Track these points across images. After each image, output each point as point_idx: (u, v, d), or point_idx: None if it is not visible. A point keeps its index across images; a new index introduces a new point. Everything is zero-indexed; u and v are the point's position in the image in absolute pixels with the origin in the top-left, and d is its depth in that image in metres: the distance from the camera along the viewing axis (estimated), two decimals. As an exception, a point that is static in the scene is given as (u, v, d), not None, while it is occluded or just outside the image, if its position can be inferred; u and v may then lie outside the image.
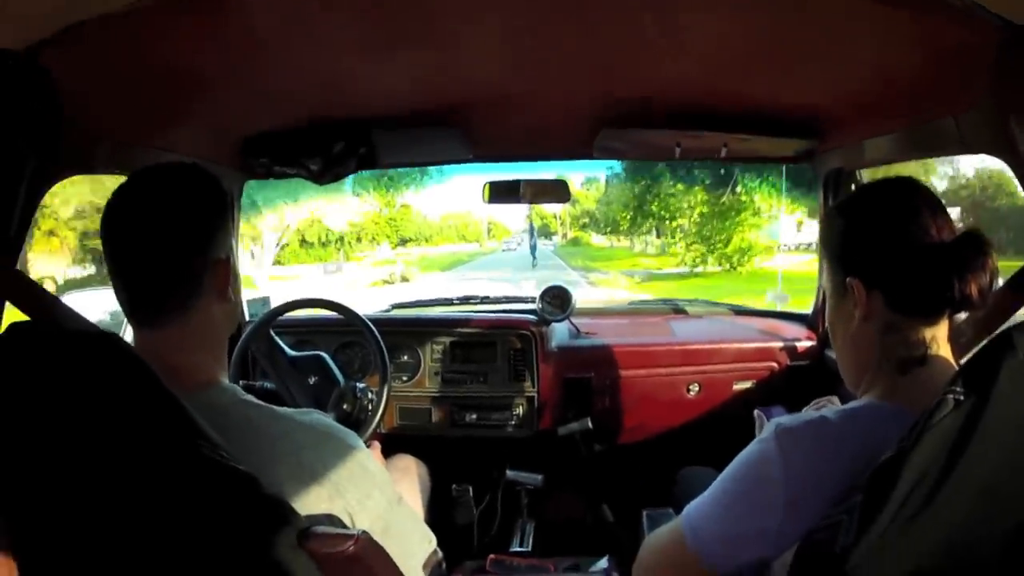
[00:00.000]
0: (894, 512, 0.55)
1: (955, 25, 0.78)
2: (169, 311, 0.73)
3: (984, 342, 0.57)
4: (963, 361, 0.60)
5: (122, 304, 0.74)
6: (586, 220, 28.83)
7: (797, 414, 0.76)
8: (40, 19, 0.71)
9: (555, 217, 30.56)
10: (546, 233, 32.16)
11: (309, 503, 0.70)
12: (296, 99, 1.21)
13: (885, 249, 0.74)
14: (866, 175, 1.57)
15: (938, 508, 0.53)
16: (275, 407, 0.77)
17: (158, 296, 0.73)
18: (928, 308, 0.73)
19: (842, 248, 0.79)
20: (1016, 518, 0.53)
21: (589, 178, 24.09)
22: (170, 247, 0.73)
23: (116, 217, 0.73)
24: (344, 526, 0.72)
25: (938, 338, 0.73)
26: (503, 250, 29.36)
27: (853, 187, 1.56)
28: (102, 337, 0.57)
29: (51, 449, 0.54)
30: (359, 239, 26.24)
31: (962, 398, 0.55)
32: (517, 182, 1.74)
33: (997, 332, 0.56)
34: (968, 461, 0.53)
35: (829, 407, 0.81)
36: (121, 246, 0.73)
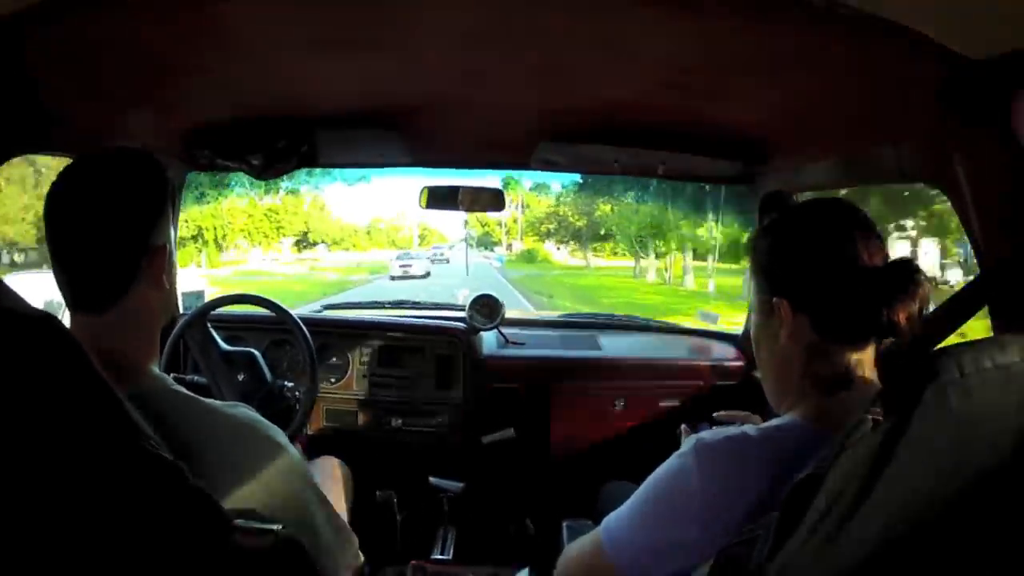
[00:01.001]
0: (809, 531, 0.62)
1: (898, 54, 0.89)
2: (106, 296, 0.88)
3: (907, 365, 0.64)
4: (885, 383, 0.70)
5: (61, 287, 0.89)
6: (551, 226, 24.98)
7: (718, 428, 0.89)
8: None
9: (499, 224, 27.98)
10: (487, 243, 29.84)
11: (232, 496, 0.83)
12: (242, 91, 1.40)
13: (813, 273, 0.85)
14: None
15: (854, 528, 0.60)
16: (203, 399, 0.91)
17: (96, 281, 0.88)
18: (855, 334, 0.85)
19: (770, 267, 0.91)
20: (934, 542, 0.60)
21: (539, 183, 21.92)
22: (109, 233, 0.87)
23: (58, 200, 0.87)
24: (267, 521, 0.82)
25: (864, 361, 0.85)
26: (391, 276, 21.49)
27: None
28: (40, 319, 0.64)
29: None
30: (224, 236, 23.63)
31: (880, 419, 0.62)
32: (456, 188, 2.13)
33: (921, 355, 0.63)
34: (885, 483, 0.60)
35: (748, 424, 0.94)
36: (62, 230, 0.87)
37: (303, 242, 28.84)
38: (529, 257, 26.68)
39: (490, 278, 18.92)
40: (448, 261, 25.42)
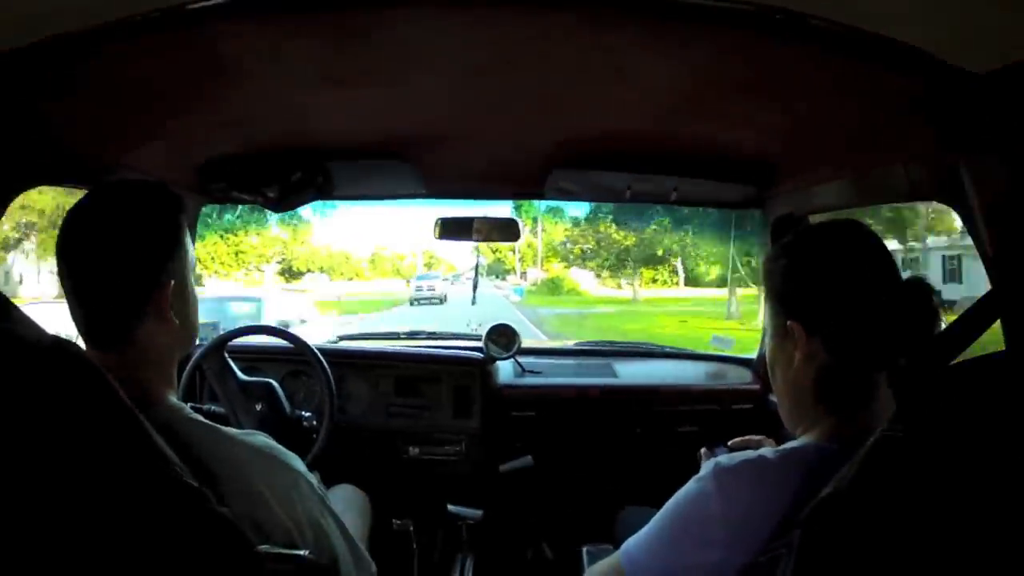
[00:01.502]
0: (833, 550, 0.67)
1: (902, 71, 0.94)
2: (118, 331, 0.96)
3: (923, 382, 0.68)
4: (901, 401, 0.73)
5: (76, 321, 0.96)
6: (589, 245, 21.62)
7: (735, 453, 0.95)
8: (9, 31, 0.87)
9: (513, 251, 25.57)
10: (499, 272, 28.03)
11: (253, 523, 0.90)
12: (256, 125, 1.53)
13: (825, 297, 0.92)
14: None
15: (877, 547, 0.64)
16: (221, 427, 0.98)
17: (108, 316, 0.96)
18: (868, 355, 0.91)
19: (784, 290, 0.98)
20: (954, 560, 0.63)
21: (552, 207, 20.10)
22: (120, 269, 0.94)
23: (72, 235, 0.95)
24: (289, 548, 0.92)
25: (879, 381, 0.91)
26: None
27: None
28: (59, 346, 0.69)
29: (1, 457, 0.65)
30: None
31: (900, 436, 0.66)
32: (470, 219, 2.32)
33: (936, 372, 0.67)
34: (905, 500, 0.64)
35: (765, 447, 1.00)
36: (75, 265, 0.94)
37: (288, 272, 27.31)
38: (553, 287, 23.55)
39: (508, 320, 12.81)
40: (443, 301, 19.98)
